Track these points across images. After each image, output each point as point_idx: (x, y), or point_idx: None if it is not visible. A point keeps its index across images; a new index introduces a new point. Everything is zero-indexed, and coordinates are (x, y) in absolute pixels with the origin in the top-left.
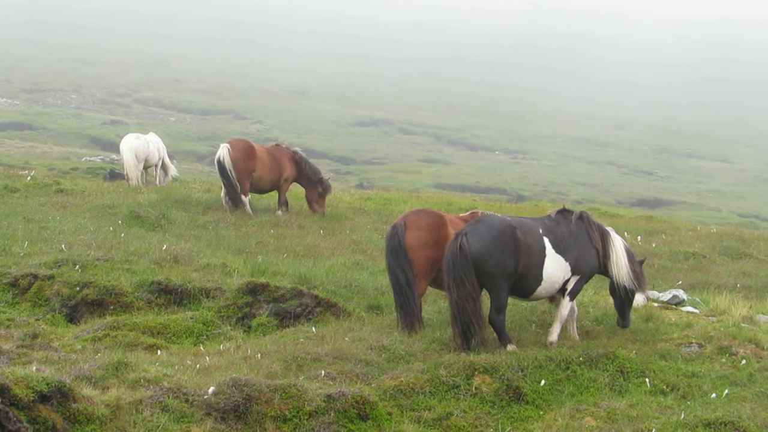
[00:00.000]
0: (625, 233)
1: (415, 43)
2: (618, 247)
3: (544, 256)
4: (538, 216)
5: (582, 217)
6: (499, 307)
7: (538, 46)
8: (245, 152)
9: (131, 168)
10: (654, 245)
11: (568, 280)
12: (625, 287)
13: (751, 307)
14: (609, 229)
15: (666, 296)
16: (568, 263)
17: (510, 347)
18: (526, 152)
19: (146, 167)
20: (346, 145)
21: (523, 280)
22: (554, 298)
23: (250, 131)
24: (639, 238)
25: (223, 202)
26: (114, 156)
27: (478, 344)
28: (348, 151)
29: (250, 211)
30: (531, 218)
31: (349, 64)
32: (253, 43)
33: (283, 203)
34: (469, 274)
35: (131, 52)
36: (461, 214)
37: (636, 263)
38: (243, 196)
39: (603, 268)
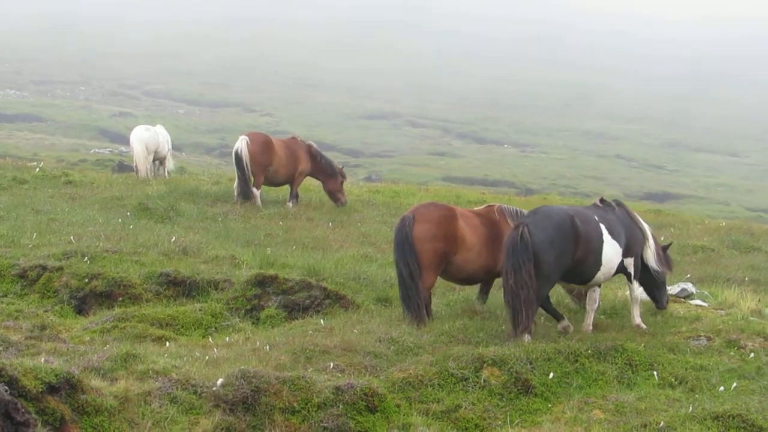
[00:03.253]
0: None
1: (425, 35)
2: (647, 230)
3: (602, 242)
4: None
5: (619, 203)
6: (541, 294)
7: (550, 40)
8: (263, 146)
9: (141, 160)
10: (663, 238)
11: (623, 263)
12: (655, 270)
13: (759, 301)
14: (636, 214)
15: (675, 289)
16: (621, 248)
17: (564, 322)
18: (535, 146)
19: (156, 159)
20: (356, 138)
21: (583, 267)
22: (573, 290)
23: (259, 124)
24: None
25: (235, 194)
26: (123, 148)
27: (522, 332)
28: (357, 144)
29: (260, 203)
30: (584, 207)
31: (359, 58)
32: (263, 35)
33: (294, 196)
34: (528, 263)
35: (141, 44)
36: (476, 208)
37: (660, 247)
38: (255, 189)
39: None
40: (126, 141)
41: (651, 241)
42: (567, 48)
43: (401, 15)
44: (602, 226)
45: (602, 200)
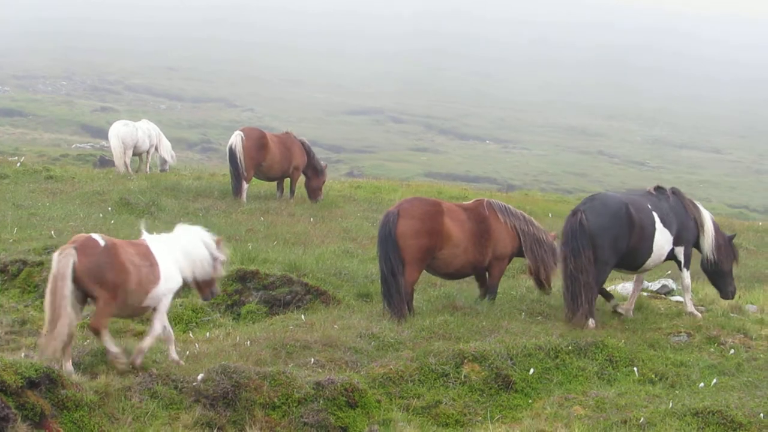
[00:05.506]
0: None
1: (408, 34)
2: (707, 219)
3: (654, 229)
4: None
5: (675, 191)
6: (600, 281)
7: (533, 37)
8: (258, 142)
9: (117, 155)
10: None
11: (674, 251)
12: (711, 259)
13: (739, 297)
14: (697, 202)
15: (655, 286)
16: (672, 236)
17: (591, 322)
18: (517, 142)
19: (136, 154)
20: (338, 134)
21: (636, 253)
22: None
23: (241, 119)
24: None
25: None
26: (104, 143)
27: (582, 316)
28: (339, 140)
29: (245, 199)
30: (638, 194)
31: (342, 55)
32: (247, 32)
33: (291, 192)
34: (587, 249)
35: (124, 40)
36: (464, 203)
37: (722, 237)
38: (244, 183)
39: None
40: (107, 136)
41: (709, 230)
42: (550, 44)
43: (384, 19)
44: (655, 215)
45: (657, 187)
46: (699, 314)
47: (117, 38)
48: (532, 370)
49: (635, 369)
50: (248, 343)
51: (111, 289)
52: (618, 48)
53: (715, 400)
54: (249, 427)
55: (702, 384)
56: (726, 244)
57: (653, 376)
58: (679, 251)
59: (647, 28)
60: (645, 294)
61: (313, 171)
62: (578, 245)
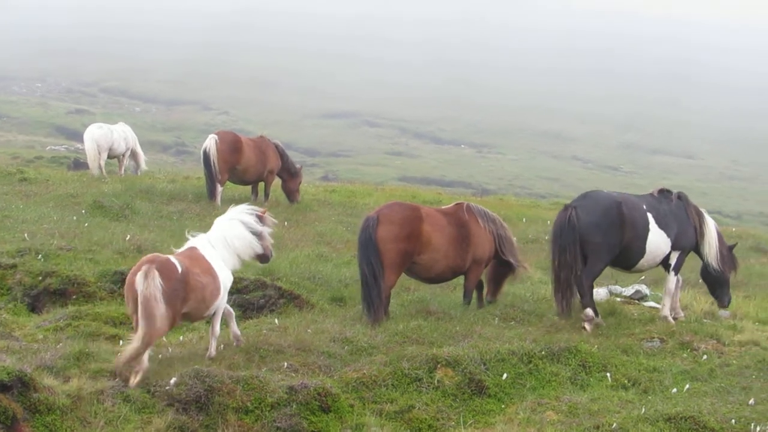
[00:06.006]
0: None
1: (386, 39)
2: (711, 227)
3: (647, 230)
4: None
5: (680, 196)
6: (591, 274)
7: (507, 42)
8: (232, 145)
9: (91, 158)
10: None
11: (669, 255)
12: (715, 268)
13: (712, 303)
14: (702, 210)
15: (629, 291)
16: (669, 238)
17: (588, 311)
18: (492, 146)
19: (112, 157)
20: (313, 137)
21: (628, 253)
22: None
23: (216, 122)
24: None
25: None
26: (78, 145)
27: (568, 310)
28: (314, 143)
29: (219, 202)
30: (636, 195)
31: (318, 58)
32: (223, 35)
33: (266, 195)
34: (573, 245)
35: (100, 42)
36: (444, 207)
37: (725, 246)
38: (219, 186)
39: (697, 246)
40: (82, 138)
41: (713, 239)
42: (527, 50)
43: (359, 22)
44: (649, 215)
45: (662, 190)
46: (672, 320)
47: (92, 41)
48: (505, 375)
49: (608, 374)
50: (221, 347)
51: (174, 313)
52: (594, 53)
53: (688, 406)
54: (222, 431)
55: (675, 390)
56: (728, 254)
57: (626, 381)
58: (674, 255)
59: (621, 33)
60: (618, 300)
61: (288, 173)
62: (564, 242)
